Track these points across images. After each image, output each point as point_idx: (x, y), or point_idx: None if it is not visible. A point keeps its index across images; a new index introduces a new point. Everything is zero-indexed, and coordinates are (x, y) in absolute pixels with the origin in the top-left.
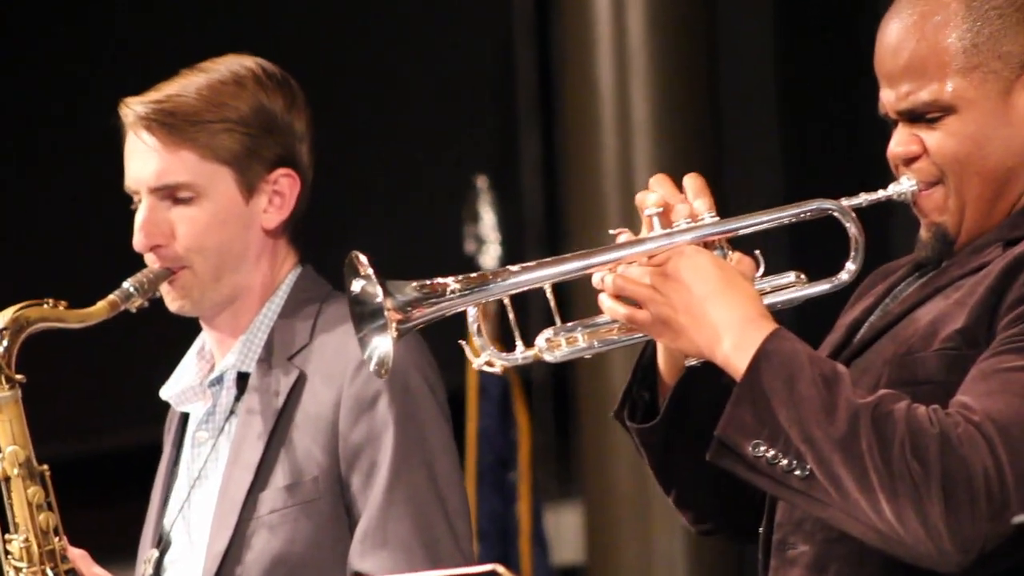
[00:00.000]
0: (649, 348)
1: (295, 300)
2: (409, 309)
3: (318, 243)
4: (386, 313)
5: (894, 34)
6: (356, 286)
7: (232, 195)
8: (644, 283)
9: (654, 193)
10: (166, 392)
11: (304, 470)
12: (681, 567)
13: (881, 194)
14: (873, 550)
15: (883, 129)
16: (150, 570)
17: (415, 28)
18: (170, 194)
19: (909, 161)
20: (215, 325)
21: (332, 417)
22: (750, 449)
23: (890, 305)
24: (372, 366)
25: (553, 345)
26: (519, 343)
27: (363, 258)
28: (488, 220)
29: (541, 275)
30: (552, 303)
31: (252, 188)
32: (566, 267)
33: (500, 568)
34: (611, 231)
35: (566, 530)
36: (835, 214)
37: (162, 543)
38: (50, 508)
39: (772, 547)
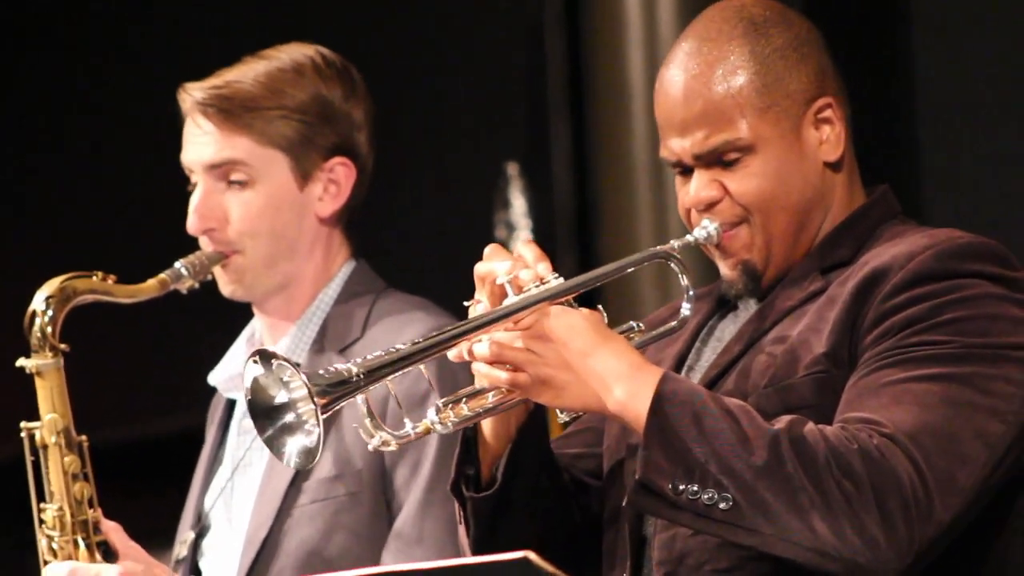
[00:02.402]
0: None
1: (349, 293)
2: (327, 395)
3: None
4: (314, 400)
5: (682, 84)
6: (261, 384)
7: (286, 181)
8: (518, 347)
9: (502, 262)
10: (214, 377)
11: (349, 462)
12: None
13: (690, 238)
14: None
15: (909, 133)
16: (186, 551)
17: (446, 16)
18: (225, 175)
19: (710, 206)
20: (267, 310)
21: (379, 412)
22: (670, 488)
23: (708, 343)
24: (296, 461)
25: (443, 417)
26: (407, 420)
27: (278, 351)
28: (519, 207)
29: (429, 354)
30: (432, 381)
31: (307, 175)
32: (448, 343)
33: (531, 555)
34: (465, 303)
35: None
36: (668, 262)
37: (201, 525)
38: (86, 479)
39: None
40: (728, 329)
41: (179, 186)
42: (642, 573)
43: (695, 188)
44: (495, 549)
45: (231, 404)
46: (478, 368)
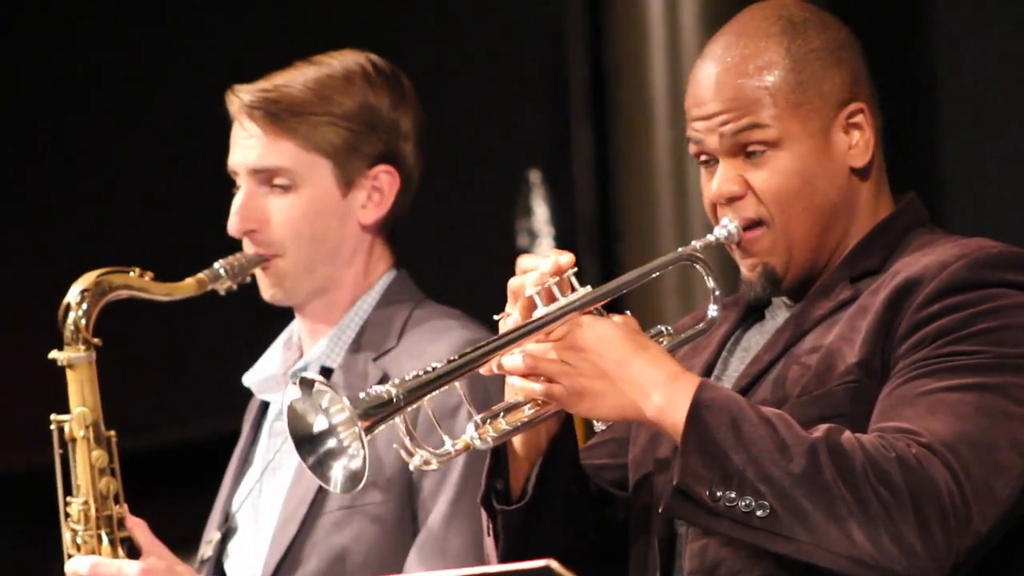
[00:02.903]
0: None
1: (388, 301)
2: (369, 416)
3: None
4: (357, 423)
5: (714, 75)
6: (299, 410)
7: (329, 187)
8: (552, 358)
9: (532, 272)
10: (249, 379)
11: (378, 471)
12: None
13: (711, 237)
14: None
15: (931, 127)
16: (210, 552)
17: (467, 23)
18: (268, 179)
19: (730, 201)
20: (307, 313)
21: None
22: (707, 494)
23: (735, 352)
24: (341, 485)
25: (483, 433)
26: (446, 438)
27: (317, 377)
28: (541, 214)
29: (465, 371)
30: (465, 397)
31: (351, 182)
32: (484, 359)
33: (553, 563)
34: (495, 317)
35: None
36: (695, 265)
37: (227, 526)
38: (113, 474)
39: None
40: (755, 339)
41: (224, 187)
42: None
43: (718, 181)
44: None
45: (265, 406)
46: (513, 382)
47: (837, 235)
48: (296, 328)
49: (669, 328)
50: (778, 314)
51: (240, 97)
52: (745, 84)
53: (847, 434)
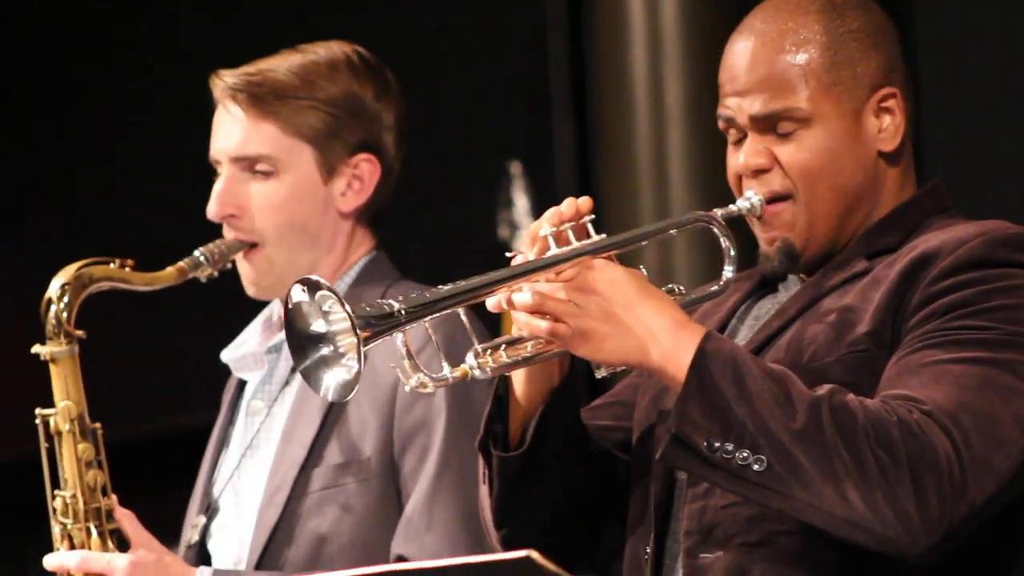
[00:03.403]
0: (502, 379)
1: (362, 282)
2: (370, 327)
3: None
4: (357, 332)
5: (750, 49)
6: (303, 311)
7: (311, 173)
8: (560, 298)
9: (549, 212)
10: (227, 355)
11: (358, 449)
12: None
13: (733, 208)
14: (798, 554)
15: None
16: (196, 536)
17: (448, 14)
18: (250, 166)
19: (757, 173)
20: None
21: (389, 399)
22: (705, 444)
23: (745, 320)
24: (334, 393)
25: (482, 363)
26: (445, 364)
27: (322, 280)
28: (521, 206)
29: (469, 298)
30: (467, 324)
31: (332, 169)
32: (489, 289)
33: (534, 554)
34: (507, 254)
35: None
36: (710, 226)
37: (210, 510)
38: (99, 466)
39: (679, 557)
40: (766, 308)
41: (204, 174)
42: (666, 544)
43: (746, 153)
44: (515, 511)
45: (241, 385)
46: (518, 317)
47: (859, 217)
48: (276, 308)
49: (681, 288)
50: (791, 286)
51: (224, 80)
52: (780, 61)
53: (851, 395)
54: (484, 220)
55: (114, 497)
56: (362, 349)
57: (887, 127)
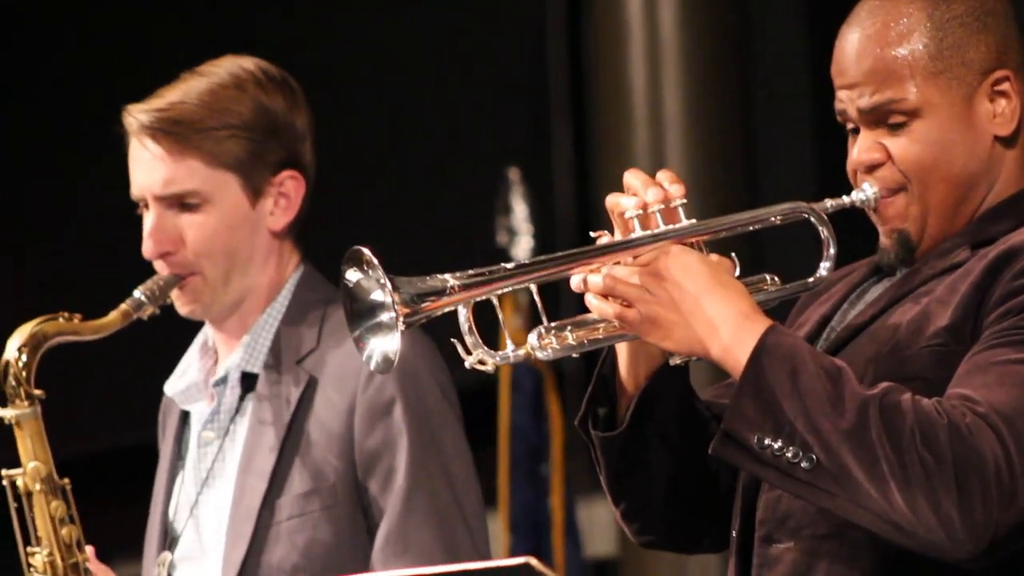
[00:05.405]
0: (609, 358)
1: (300, 302)
2: (415, 303)
3: (350, 236)
4: (395, 307)
5: (857, 42)
6: (354, 281)
7: (239, 200)
8: (632, 282)
9: (632, 197)
10: (171, 389)
11: (320, 477)
12: (714, 558)
13: (845, 200)
14: (866, 548)
15: None
16: (165, 572)
17: (448, 21)
18: (178, 201)
19: (871, 168)
20: (223, 328)
21: (346, 423)
22: (755, 441)
23: (856, 305)
24: (375, 363)
25: (545, 343)
26: (509, 342)
27: (367, 252)
28: (520, 212)
29: (535, 275)
30: (538, 302)
31: (258, 192)
32: (557, 267)
33: (533, 561)
34: (591, 233)
35: (599, 523)
36: (809, 217)
37: (171, 543)
38: (72, 521)
39: (754, 544)
40: (876, 293)
41: (130, 210)
42: (752, 529)
43: (858, 149)
44: (626, 488)
45: (185, 416)
46: (589, 299)
47: (975, 204)
48: (210, 333)
49: (775, 278)
50: (904, 272)
51: (137, 118)
52: (885, 54)
53: (906, 395)
54: (482, 226)
55: (89, 550)
56: (400, 325)
57: (1003, 111)
